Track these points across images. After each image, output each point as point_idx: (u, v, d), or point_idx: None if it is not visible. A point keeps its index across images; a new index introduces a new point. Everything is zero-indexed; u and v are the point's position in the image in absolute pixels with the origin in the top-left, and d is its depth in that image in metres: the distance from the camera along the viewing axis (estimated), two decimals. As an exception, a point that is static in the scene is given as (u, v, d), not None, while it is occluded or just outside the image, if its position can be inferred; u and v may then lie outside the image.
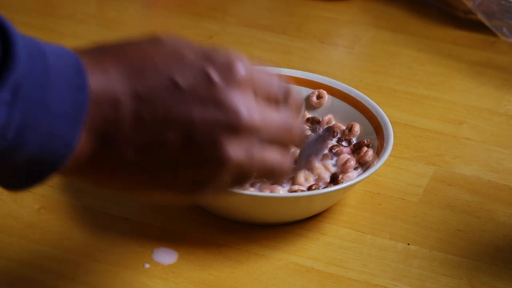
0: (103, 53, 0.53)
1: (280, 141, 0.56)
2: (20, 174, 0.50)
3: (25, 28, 1.02)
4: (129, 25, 1.05)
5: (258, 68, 0.55)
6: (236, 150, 0.53)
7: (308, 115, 0.82)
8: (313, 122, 0.81)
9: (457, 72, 0.97)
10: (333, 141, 0.79)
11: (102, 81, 0.51)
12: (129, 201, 0.75)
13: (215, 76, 0.53)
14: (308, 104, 0.83)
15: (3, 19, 0.48)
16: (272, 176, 0.57)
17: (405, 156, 0.82)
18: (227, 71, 0.53)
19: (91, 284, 0.67)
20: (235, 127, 0.53)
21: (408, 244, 0.72)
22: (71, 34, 1.02)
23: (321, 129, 0.79)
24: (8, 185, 0.51)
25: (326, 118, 0.80)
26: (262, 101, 0.55)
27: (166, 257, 0.70)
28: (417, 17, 1.07)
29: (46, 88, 0.48)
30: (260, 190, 0.71)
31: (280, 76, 0.57)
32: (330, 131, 0.78)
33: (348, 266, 0.69)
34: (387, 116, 0.77)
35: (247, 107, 0.53)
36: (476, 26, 1.03)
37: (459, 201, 0.77)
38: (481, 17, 1.00)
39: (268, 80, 0.56)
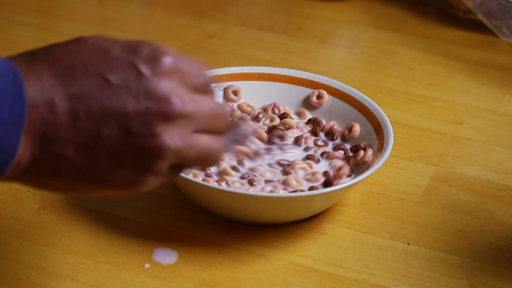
0: (35, 58, 0.55)
1: (211, 127, 0.58)
2: None
3: (25, 28, 1.03)
4: (129, 25, 1.05)
5: (182, 58, 0.57)
6: (172, 137, 0.55)
7: (310, 115, 0.82)
8: (314, 124, 0.81)
9: (457, 72, 0.97)
10: (329, 147, 0.79)
11: (37, 86, 0.53)
12: (129, 201, 0.75)
13: (143, 68, 0.55)
14: (308, 104, 0.83)
15: None
16: (207, 160, 0.59)
17: (405, 156, 0.82)
18: (154, 62, 0.55)
19: (91, 284, 0.67)
20: (169, 115, 0.55)
21: (408, 244, 0.72)
22: (71, 34, 1.02)
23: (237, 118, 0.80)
24: None
25: (329, 124, 0.80)
26: (190, 89, 0.57)
27: (166, 257, 0.70)
28: (417, 17, 1.07)
29: None
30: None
31: (201, 64, 0.59)
32: (246, 120, 0.79)
33: (348, 266, 0.69)
34: (387, 116, 0.77)
35: (178, 95, 0.55)
36: (476, 26, 1.03)
37: (459, 201, 0.77)
38: (481, 17, 1.00)
39: (193, 69, 0.58)
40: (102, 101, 0.54)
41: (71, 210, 0.74)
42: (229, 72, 0.83)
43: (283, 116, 0.81)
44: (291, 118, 0.81)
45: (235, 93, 0.82)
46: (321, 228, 0.73)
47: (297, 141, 0.78)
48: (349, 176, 0.75)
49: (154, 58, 0.55)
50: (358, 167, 0.76)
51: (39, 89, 0.53)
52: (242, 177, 0.74)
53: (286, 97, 0.83)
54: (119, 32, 1.02)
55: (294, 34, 1.03)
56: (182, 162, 0.57)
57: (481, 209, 0.76)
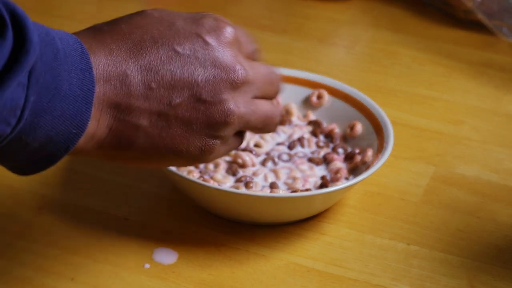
0: (103, 33, 0.57)
1: (267, 93, 0.62)
2: (33, 157, 0.53)
3: (25, 28, 1.02)
4: (129, 25, 1.05)
5: (238, 28, 0.62)
6: (237, 103, 0.59)
7: (313, 117, 0.82)
8: (315, 125, 0.81)
9: (457, 72, 0.97)
10: (329, 149, 0.79)
11: (108, 60, 0.55)
12: (129, 201, 0.75)
13: (208, 38, 0.59)
14: (308, 104, 0.83)
15: (16, 7, 0.50)
16: (267, 125, 0.63)
17: (405, 156, 0.82)
18: (218, 32, 0.59)
19: (91, 284, 0.67)
20: (235, 82, 0.59)
21: (408, 244, 0.72)
22: (71, 34, 1.02)
23: None
24: (19, 169, 0.54)
25: (329, 127, 0.80)
26: (247, 57, 0.61)
27: (166, 257, 0.70)
28: (417, 17, 1.07)
29: (56, 71, 0.51)
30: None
31: (249, 33, 0.64)
32: None
33: (348, 266, 0.69)
34: (387, 116, 0.78)
35: (240, 63, 0.59)
36: (476, 26, 1.03)
37: (459, 201, 0.77)
38: (481, 17, 1.00)
39: (247, 38, 0.63)
40: (172, 71, 0.56)
41: (71, 210, 0.74)
42: (229, 72, 0.83)
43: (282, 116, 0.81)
44: (290, 118, 0.81)
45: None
46: (321, 228, 0.73)
47: (299, 142, 0.78)
48: (346, 179, 0.75)
49: (217, 29, 0.59)
50: (357, 167, 0.76)
51: (110, 62, 0.55)
52: (238, 180, 0.74)
53: (286, 97, 0.83)
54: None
55: (294, 34, 1.03)
56: (245, 128, 0.61)
57: (481, 209, 0.76)
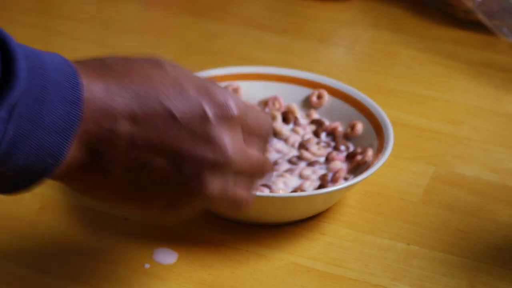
0: (107, 68, 0.55)
1: (251, 176, 0.60)
2: (9, 182, 0.52)
3: (25, 28, 1.03)
4: (129, 25, 1.05)
5: (251, 109, 0.59)
6: (215, 186, 0.56)
7: (316, 116, 0.82)
8: (318, 124, 0.81)
9: (457, 72, 0.97)
10: (331, 148, 0.79)
11: (102, 95, 0.53)
12: (129, 201, 0.75)
13: (210, 113, 0.56)
14: (308, 104, 0.83)
15: (8, 39, 0.49)
16: (234, 209, 0.60)
17: (405, 156, 0.82)
18: (223, 111, 0.56)
19: (91, 284, 0.67)
20: (219, 165, 0.56)
21: (408, 244, 0.72)
22: (71, 34, 1.02)
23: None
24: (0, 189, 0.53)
25: (332, 125, 0.80)
26: (247, 138, 0.58)
27: (166, 257, 0.70)
28: (417, 17, 1.07)
29: (41, 104, 0.50)
30: None
31: (267, 115, 0.61)
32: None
33: (348, 266, 0.69)
34: (387, 116, 0.78)
35: (233, 148, 0.57)
36: (476, 26, 1.03)
37: (459, 201, 0.77)
38: (481, 17, 1.00)
39: (258, 120, 0.59)
40: (163, 133, 0.54)
41: (71, 210, 0.74)
42: (229, 72, 0.83)
43: (285, 115, 0.81)
44: (295, 116, 0.81)
45: (235, 91, 0.82)
46: (321, 228, 0.73)
47: (303, 147, 0.78)
48: (345, 179, 0.75)
49: (224, 108, 0.56)
50: (358, 167, 0.76)
51: (103, 103, 0.53)
52: None
53: (286, 97, 0.83)
54: (119, 32, 1.02)
55: (294, 34, 1.03)
56: (213, 204, 0.59)
57: (481, 209, 0.76)
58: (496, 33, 0.99)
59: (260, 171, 0.60)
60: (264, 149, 0.61)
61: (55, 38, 1.01)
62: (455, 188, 0.79)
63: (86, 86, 0.52)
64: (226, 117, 0.56)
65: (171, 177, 0.55)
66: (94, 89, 0.53)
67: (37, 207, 0.74)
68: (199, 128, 0.55)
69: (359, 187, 0.77)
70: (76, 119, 0.51)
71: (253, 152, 0.59)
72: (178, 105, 0.55)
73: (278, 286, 0.68)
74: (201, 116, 0.55)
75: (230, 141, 0.56)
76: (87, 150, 0.53)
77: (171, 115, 0.54)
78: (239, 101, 0.58)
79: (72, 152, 0.52)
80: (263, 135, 0.60)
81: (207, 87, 0.57)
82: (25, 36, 1.00)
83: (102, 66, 0.55)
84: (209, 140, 0.55)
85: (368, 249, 0.71)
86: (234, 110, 0.57)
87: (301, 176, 0.75)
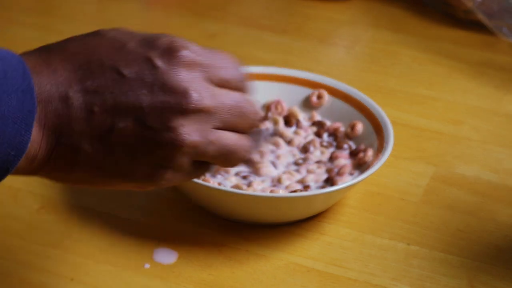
0: (50, 53, 0.55)
1: (235, 124, 0.57)
2: None
3: (25, 28, 1.03)
4: (129, 25, 1.04)
5: (208, 51, 0.56)
6: (189, 132, 0.54)
7: (319, 117, 0.82)
8: (319, 126, 0.81)
9: (457, 72, 0.97)
10: (333, 147, 0.79)
11: (51, 80, 0.53)
12: (129, 201, 0.75)
13: (157, 60, 0.54)
14: (308, 104, 0.83)
15: None
16: (229, 158, 0.57)
17: (405, 156, 0.82)
18: (171, 55, 0.55)
19: (91, 284, 0.67)
20: (185, 108, 0.54)
21: (408, 244, 0.72)
22: (71, 34, 1.02)
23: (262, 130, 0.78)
24: None
25: (334, 125, 0.80)
26: (212, 84, 0.56)
27: (166, 257, 0.70)
28: (417, 17, 1.07)
29: None
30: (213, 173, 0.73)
31: (233, 59, 0.58)
32: (267, 132, 0.78)
33: (348, 266, 0.69)
34: (387, 116, 0.78)
35: (195, 89, 0.54)
36: (476, 26, 1.03)
37: (459, 201, 0.77)
38: (481, 17, 1.00)
39: (220, 63, 0.57)
40: (117, 94, 0.53)
41: (71, 210, 0.74)
42: (229, 72, 0.83)
43: (287, 118, 0.81)
44: (297, 118, 0.81)
45: None
46: (321, 228, 0.73)
47: (305, 148, 0.78)
48: (351, 174, 0.75)
49: (171, 51, 0.55)
50: (358, 167, 0.76)
51: (53, 83, 0.53)
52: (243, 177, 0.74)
53: (287, 97, 0.83)
54: (119, 32, 1.02)
55: (294, 34, 1.03)
56: (203, 159, 0.56)
57: (481, 209, 0.76)
58: (496, 33, 0.99)
59: (239, 110, 0.57)
60: (240, 89, 0.58)
61: (55, 38, 1.00)
62: (455, 188, 0.79)
63: (33, 73, 0.52)
64: (177, 62, 0.55)
65: (141, 137, 0.54)
66: (40, 74, 0.53)
67: (37, 207, 0.74)
68: (150, 77, 0.54)
69: (359, 187, 0.77)
70: (32, 106, 0.51)
71: (223, 91, 0.56)
72: (121, 62, 0.54)
73: (278, 286, 0.68)
74: (148, 65, 0.54)
75: (188, 82, 0.54)
76: (50, 134, 0.53)
77: (117, 73, 0.54)
78: (191, 45, 0.56)
79: (34, 141, 0.52)
80: (232, 76, 0.57)
81: (148, 37, 0.56)
82: (25, 36, 1.00)
83: (41, 51, 0.55)
84: (165, 86, 0.54)
85: (368, 249, 0.71)
86: (185, 54, 0.55)
87: (307, 171, 0.75)
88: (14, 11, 1.06)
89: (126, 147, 0.54)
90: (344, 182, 0.73)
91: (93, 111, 0.53)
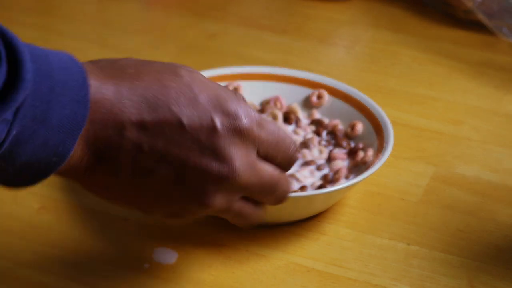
0: (119, 70, 0.54)
1: (261, 193, 0.59)
2: (14, 176, 0.52)
3: (25, 27, 1.03)
4: (129, 25, 1.05)
5: (272, 125, 0.57)
6: (219, 199, 0.56)
7: (318, 115, 0.82)
8: (318, 124, 0.81)
9: (457, 72, 0.97)
10: (331, 146, 0.79)
11: (111, 97, 0.52)
12: (129, 201, 0.75)
13: (218, 123, 0.54)
14: (308, 104, 0.83)
15: (15, 39, 0.48)
16: (239, 223, 0.60)
17: (405, 156, 0.82)
18: (232, 120, 0.55)
19: (91, 284, 0.67)
20: (225, 179, 0.55)
21: (408, 244, 0.72)
22: (71, 34, 1.02)
23: None
24: (3, 184, 0.53)
25: (332, 123, 0.80)
26: (260, 155, 0.57)
27: (166, 257, 0.70)
28: (417, 17, 1.07)
29: (48, 104, 0.50)
30: None
31: (292, 139, 0.59)
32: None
33: (348, 266, 0.69)
34: (387, 116, 0.77)
35: (241, 160, 0.55)
36: (476, 26, 1.03)
37: (459, 201, 0.77)
38: (481, 17, 1.00)
39: (277, 135, 0.58)
40: (170, 142, 0.54)
41: (71, 210, 0.74)
42: (229, 72, 0.83)
43: (287, 115, 0.81)
44: (297, 116, 0.81)
45: (235, 90, 0.82)
46: (321, 228, 0.73)
47: (305, 145, 0.78)
48: (346, 178, 0.75)
49: (233, 118, 0.55)
50: (358, 167, 0.76)
51: (114, 108, 0.53)
52: None
53: (287, 97, 0.83)
54: (119, 32, 1.02)
55: (294, 34, 1.03)
56: (218, 216, 0.59)
57: (481, 209, 0.76)
58: (496, 33, 0.99)
59: (271, 189, 0.59)
60: (284, 166, 0.59)
61: (55, 38, 1.01)
62: (455, 188, 0.79)
63: (94, 87, 0.52)
64: (235, 129, 0.55)
65: (175, 185, 0.55)
66: (103, 90, 0.52)
67: (37, 207, 0.74)
68: (206, 138, 0.54)
69: (359, 187, 0.77)
70: (82, 118, 0.51)
71: (266, 168, 0.58)
72: (187, 113, 0.54)
73: (278, 286, 0.68)
74: (209, 126, 0.54)
75: (237, 154, 0.55)
76: (93, 152, 0.53)
77: (179, 123, 0.54)
78: (252, 112, 0.56)
79: (77, 152, 0.52)
80: (283, 151, 0.58)
81: (219, 96, 0.55)
82: (25, 36, 1.00)
83: (114, 67, 0.54)
84: (216, 152, 0.55)
85: (368, 249, 0.71)
86: (245, 121, 0.55)
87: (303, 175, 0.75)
88: (14, 11, 1.06)
89: (158, 188, 0.55)
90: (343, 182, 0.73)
91: (142, 150, 0.54)
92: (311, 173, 0.76)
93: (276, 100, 0.82)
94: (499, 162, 0.82)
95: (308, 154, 0.77)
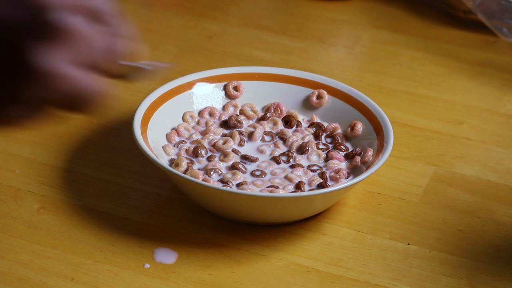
0: None
1: (97, 63, 0.51)
2: None
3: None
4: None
5: None
6: (45, 57, 0.48)
7: (318, 119, 0.82)
8: (317, 127, 0.81)
9: (457, 72, 0.97)
10: (330, 148, 0.79)
11: None
12: (129, 201, 0.75)
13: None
14: (308, 104, 0.83)
15: None
16: (78, 100, 0.50)
17: (405, 156, 0.82)
18: None
19: (91, 284, 0.67)
20: (45, 30, 0.48)
21: (408, 244, 0.72)
22: (71, 34, 1.02)
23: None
24: None
25: (331, 126, 0.80)
26: (84, 17, 0.50)
27: (166, 257, 0.70)
28: (417, 17, 1.07)
29: None
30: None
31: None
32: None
33: (348, 266, 0.69)
34: (387, 116, 0.78)
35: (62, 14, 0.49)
36: (476, 26, 1.03)
37: (459, 201, 0.77)
38: (481, 17, 1.00)
39: None
40: None
41: (71, 210, 0.74)
42: (229, 72, 0.83)
43: (287, 119, 0.81)
44: (297, 119, 0.81)
45: (236, 88, 0.82)
46: (321, 228, 0.73)
47: (302, 149, 0.78)
48: (346, 178, 0.75)
49: None
50: (358, 167, 0.76)
51: None
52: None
53: (286, 97, 0.83)
54: (119, 32, 1.02)
55: (294, 34, 1.03)
56: (51, 90, 0.49)
57: (481, 209, 0.76)
58: (496, 33, 0.99)
59: (107, 56, 0.51)
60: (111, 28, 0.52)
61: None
62: (455, 188, 0.79)
63: None
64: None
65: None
66: None
67: (37, 207, 0.74)
68: None
69: (359, 187, 0.77)
70: None
71: (96, 31, 0.50)
72: None
73: (278, 286, 0.68)
74: None
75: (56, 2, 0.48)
76: None
77: None
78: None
79: None
80: (101, 13, 0.51)
81: None
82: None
83: None
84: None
85: (368, 249, 0.71)
86: None
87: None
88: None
89: None
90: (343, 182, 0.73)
91: None
92: (305, 173, 0.75)
93: (276, 106, 0.82)
94: (499, 162, 0.82)
95: (304, 159, 0.77)
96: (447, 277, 0.69)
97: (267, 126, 0.80)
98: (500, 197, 0.78)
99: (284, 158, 0.77)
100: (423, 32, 1.04)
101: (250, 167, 0.75)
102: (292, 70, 0.84)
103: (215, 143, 0.77)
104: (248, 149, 0.78)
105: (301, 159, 0.77)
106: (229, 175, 0.74)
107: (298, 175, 0.75)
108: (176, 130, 0.79)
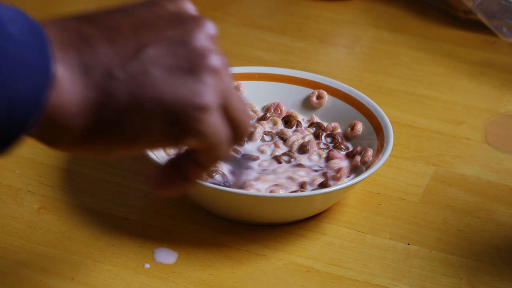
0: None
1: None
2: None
3: (25, 28, 1.02)
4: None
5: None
6: (212, 95, 0.55)
7: (318, 119, 0.82)
8: (317, 127, 0.81)
9: (457, 72, 0.97)
10: (330, 147, 0.79)
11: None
12: (129, 201, 0.75)
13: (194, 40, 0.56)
14: (308, 104, 0.83)
15: None
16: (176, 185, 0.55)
17: (405, 156, 0.82)
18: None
19: (91, 284, 0.67)
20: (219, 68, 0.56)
21: (408, 244, 0.72)
22: (71, 34, 1.02)
23: (240, 156, 0.77)
24: None
25: (331, 125, 0.80)
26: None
27: (166, 257, 0.70)
28: (417, 17, 1.07)
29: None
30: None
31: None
32: (247, 159, 0.77)
33: (348, 266, 0.69)
34: (387, 116, 0.78)
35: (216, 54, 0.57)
36: (476, 26, 1.03)
37: (459, 201, 0.77)
38: (481, 17, 1.00)
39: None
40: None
41: (71, 210, 0.74)
42: (229, 72, 0.83)
43: (287, 119, 0.81)
44: (297, 119, 0.81)
45: (236, 88, 0.82)
46: (321, 228, 0.73)
47: (303, 149, 0.78)
48: (347, 177, 0.75)
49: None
50: (358, 167, 0.76)
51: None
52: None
53: (286, 97, 0.83)
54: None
55: (294, 34, 1.03)
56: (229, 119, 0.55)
57: (481, 209, 0.76)
58: (496, 33, 0.99)
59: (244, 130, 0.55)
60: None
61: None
62: (455, 188, 0.79)
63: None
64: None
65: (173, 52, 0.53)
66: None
67: (37, 207, 0.74)
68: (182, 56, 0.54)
69: (359, 187, 0.77)
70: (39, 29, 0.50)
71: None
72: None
73: (278, 286, 0.68)
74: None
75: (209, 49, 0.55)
76: (74, 55, 0.51)
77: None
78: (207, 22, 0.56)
79: (59, 60, 0.50)
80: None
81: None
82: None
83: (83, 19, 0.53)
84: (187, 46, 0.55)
85: (368, 249, 0.71)
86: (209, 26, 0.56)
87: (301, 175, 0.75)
88: (14, 11, 1.06)
89: (162, 65, 0.52)
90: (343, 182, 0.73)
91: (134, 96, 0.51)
92: (307, 173, 0.76)
93: (276, 106, 0.82)
94: (499, 162, 0.82)
95: (305, 159, 0.77)
96: (447, 277, 0.69)
97: (267, 126, 0.80)
98: (500, 197, 0.78)
99: (285, 158, 0.77)
100: (423, 32, 1.04)
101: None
102: (292, 70, 0.84)
103: (215, 143, 0.77)
104: (248, 149, 0.78)
105: (302, 159, 0.77)
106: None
107: (301, 175, 0.75)
108: (176, 130, 0.78)
